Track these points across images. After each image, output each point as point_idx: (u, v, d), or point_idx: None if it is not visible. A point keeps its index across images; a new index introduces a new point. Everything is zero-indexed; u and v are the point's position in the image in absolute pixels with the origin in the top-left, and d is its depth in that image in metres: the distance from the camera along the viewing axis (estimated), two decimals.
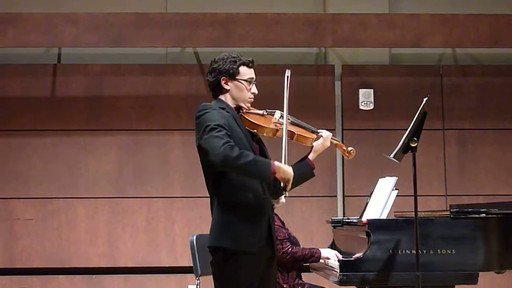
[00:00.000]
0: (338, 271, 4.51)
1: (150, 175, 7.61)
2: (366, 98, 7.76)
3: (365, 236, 4.58)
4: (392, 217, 5.00)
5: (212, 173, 3.69)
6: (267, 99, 3.96)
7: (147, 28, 7.51)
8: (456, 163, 7.75)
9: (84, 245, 7.50)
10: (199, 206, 7.34)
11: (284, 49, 7.70)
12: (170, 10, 7.89)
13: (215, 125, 3.59)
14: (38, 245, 7.47)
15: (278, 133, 3.79)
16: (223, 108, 3.73)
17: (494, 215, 4.61)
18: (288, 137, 3.77)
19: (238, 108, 3.83)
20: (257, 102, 3.91)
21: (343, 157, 7.59)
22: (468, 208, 4.67)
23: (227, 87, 3.80)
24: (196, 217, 7.40)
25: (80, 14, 7.55)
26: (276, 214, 5.23)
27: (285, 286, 5.12)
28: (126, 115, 7.66)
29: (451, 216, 4.57)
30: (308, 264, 5.27)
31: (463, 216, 4.57)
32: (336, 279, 4.55)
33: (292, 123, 3.93)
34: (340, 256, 4.93)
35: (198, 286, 5.57)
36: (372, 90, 7.78)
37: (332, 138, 4.02)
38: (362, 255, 4.50)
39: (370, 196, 5.16)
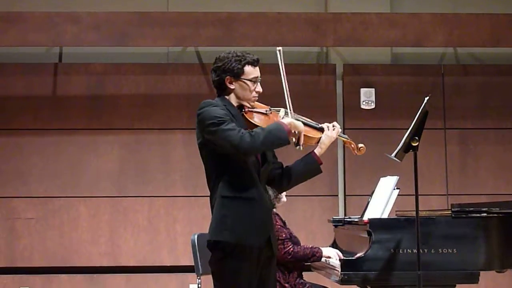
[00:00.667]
0: (340, 270, 4.51)
1: (152, 174, 7.61)
2: (367, 97, 7.76)
3: (367, 235, 4.58)
4: (394, 216, 5.01)
5: (214, 168, 3.69)
6: (269, 98, 3.95)
7: (149, 27, 7.51)
8: (458, 162, 7.75)
9: (86, 244, 7.50)
10: (201, 205, 7.34)
11: (285, 48, 7.58)
12: (171, 9, 7.90)
13: (220, 119, 3.58)
14: (40, 244, 7.48)
15: None
16: (224, 106, 3.72)
17: (496, 215, 4.61)
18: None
19: (241, 106, 3.80)
20: (259, 101, 3.89)
21: (344, 156, 7.63)
22: (470, 207, 4.67)
23: (231, 87, 3.77)
24: (198, 216, 7.40)
25: (81, 13, 7.55)
26: (277, 214, 5.23)
27: (286, 285, 5.13)
28: (127, 114, 7.66)
29: (453, 215, 4.57)
30: (309, 263, 5.27)
31: (464, 216, 4.57)
32: (338, 278, 4.55)
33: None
34: (342, 255, 4.93)
35: (199, 285, 5.58)
36: (373, 89, 7.78)
37: (340, 135, 3.95)
38: (364, 254, 4.50)
39: (371, 195, 5.16)
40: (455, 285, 4.56)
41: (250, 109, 3.80)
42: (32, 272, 7.44)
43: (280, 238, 5.07)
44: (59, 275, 7.45)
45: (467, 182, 7.71)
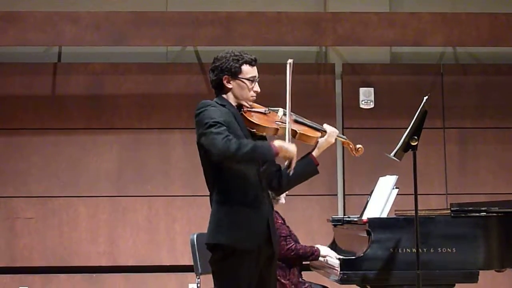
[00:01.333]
0: (339, 270, 4.51)
1: (151, 173, 7.61)
2: (366, 97, 7.76)
3: (366, 235, 4.58)
4: (393, 215, 5.01)
5: (211, 169, 3.68)
6: (268, 98, 3.95)
7: (148, 26, 7.51)
8: (457, 162, 7.76)
9: (85, 244, 7.51)
10: (200, 205, 7.34)
11: (284, 48, 7.69)
12: (170, 8, 7.89)
13: (213, 121, 3.57)
14: (39, 244, 7.48)
15: (279, 132, 3.75)
16: (223, 105, 3.71)
17: (495, 214, 4.61)
18: (290, 135, 3.74)
19: (240, 106, 3.80)
20: (257, 101, 3.89)
21: (343, 155, 7.63)
22: (469, 206, 4.67)
23: (229, 86, 3.77)
24: (197, 216, 7.40)
25: (80, 12, 7.55)
26: (277, 212, 5.25)
27: (286, 282, 5.14)
28: (126, 113, 7.66)
29: (452, 214, 4.57)
30: (308, 262, 5.28)
31: (463, 215, 4.57)
32: (337, 278, 4.56)
33: (296, 121, 3.87)
34: (338, 256, 4.95)
35: (198, 285, 5.58)
36: (372, 88, 7.78)
37: (338, 136, 3.95)
38: (363, 253, 4.50)
39: (370, 194, 5.16)
40: (454, 285, 4.56)
41: (249, 109, 3.79)
42: (31, 272, 7.44)
43: (282, 235, 5.10)
44: (59, 274, 7.45)
45: (466, 181, 7.72)
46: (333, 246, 5.42)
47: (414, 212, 4.18)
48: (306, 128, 3.86)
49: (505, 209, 4.66)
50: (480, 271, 4.50)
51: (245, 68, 3.77)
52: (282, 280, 5.12)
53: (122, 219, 7.55)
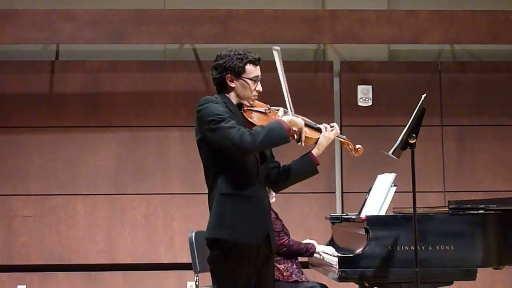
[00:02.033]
0: (337, 268, 4.51)
1: (149, 171, 7.61)
2: (364, 95, 7.76)
3: (364, 233, 4.58)
4: (391, 213, 5.01)
5: (213, 165, 3.68)
6: (266, 96, 3.94)
7: (146, 24, 7.50)
8: (455, 159, 7.76)
9: (83, 242, 7.50)
10: (198, 203, 7.34)
11: (282, 46, 7.63)
12: (168, 6, 7.89)
13: (221, 117, 3.58)
14: (37, 242, 7.47)
15: None
16: (224, 103, 3.70)
17: (493, 211, 4.61)
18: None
19: (240, 104, 3.79)
20: (257, 99, 3.88)
21: (341, 153, 7.63)
22: (467, 204, 4.67)
23: (232, 85, 3.75)
24: (195, 214, 7.40)
25: (78, 10, 7.54)
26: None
27: (281, 267, 5.13)
28: (124, 111, 7.66)
29: (450, 212, 4.57)
30: (305, 257, 5.28)
31: (461, 212, 4.57)
32: (335, 276, 4.55)
33: None
34: (335, 252, 4.95)
35: (197, 283, 5.58)
36: (370, 86, 7.78)
37: (338, 136, 3.93)
38: (361, 251, 4.50)
39: (368, 192, 5.16)
40: (452, 282, 4.56)
41: (249, 108, 3.78)
42: (29, 270, 7.44)
43: (276, 230, 5.09)
44: (56, 272, 7.45)
45: (464, 179, 7.72)
46: (331, 244, 5.42)
47: (412, 209, 4.18)
48: (306, 128, 3.82)
49: (503, 206, 4.66)
50: (478, 269, 4.50)
51: (249, 67, 3.76)
52: (277, 265, 5.10)
53: (120, 217, 7.55)
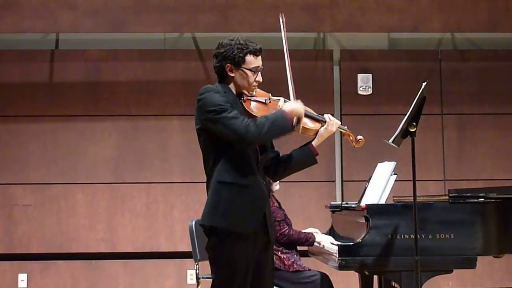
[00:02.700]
0: (337, 256, 4.52)
1: (149, 160, 7.61)
2: (364, 83, 7.75)
3: (364, 221, 4.59)
4: (391, 202, 5.01)
5: (212, 153, 3.67)
6: (265, 85, 3.93)
7: (146, 13, 7.48)
8: (455, 148, 7.76)
9: (84, 231, 7.52)
10: (198, 191, 7.33)
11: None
12: None
13: (222, 107, 3.57)
14: (37, 231, 7.49)
15: None
16: (224, 92, 3.70)
17: (493, 200, 4.61)
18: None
19: (240, 94, 3.77)
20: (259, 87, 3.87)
21: (341, 141, 7.63)
22: (467, 192, 4.67)
23: (231, 75, 3.73)
24: (195, 202, 7.40)
25: None
26: (273, 195, 5.26)
27: (283, 257, 5.15)
28: (124, 100, 7.65)
29: (450, 200, 4.57)
30: (305, 246, 5.30)
31: (461, 201, 4.57)
32: (335, 264, 4.56)
33: None
34: (334, 241, 4.96)
35: (197, 271, 5.60)
36: (370, 75, 7.78)
37: (339, 127, 3.90)
38: (361, 240, 4.51)
39: (368, 181, 5.16)
40: (452, 270, 4.56)
41: (248, 98, 3.76)
42: (30, 259, 7.46)
43: (276, 219, 5.11)
44: (57, 261, 7.46)
45: (464, 167, 7.73)
46: (331, 233, 5.43)
47: (412, 198, 4.18)
48: (307, 119, 3.80)
49: (503, 195, 4.66)
50: (478, 257, 4.51)
51: (249, 58, 3.73)
52: (279, 254, 5.13)
53: (120, 206, 7.56)
